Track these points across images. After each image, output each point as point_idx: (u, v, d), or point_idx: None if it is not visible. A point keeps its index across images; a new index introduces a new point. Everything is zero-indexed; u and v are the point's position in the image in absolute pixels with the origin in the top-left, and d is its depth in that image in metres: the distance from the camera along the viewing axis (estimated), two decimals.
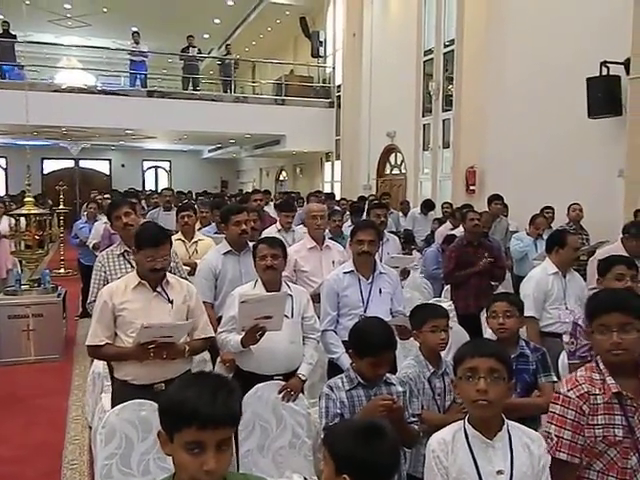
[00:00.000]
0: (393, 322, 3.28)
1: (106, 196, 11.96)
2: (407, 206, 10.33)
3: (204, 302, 3.38)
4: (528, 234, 6.54)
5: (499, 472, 1.81)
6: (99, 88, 14.28)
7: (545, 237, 6.35)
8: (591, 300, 2.10)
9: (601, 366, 1.99)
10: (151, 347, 2.76)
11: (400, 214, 9.91)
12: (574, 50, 8.04)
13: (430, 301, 5.21)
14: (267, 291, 3.18)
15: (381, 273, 3.61)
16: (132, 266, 3.56)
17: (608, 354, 1.94)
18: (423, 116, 11.89)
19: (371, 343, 2.37)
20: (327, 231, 5.82)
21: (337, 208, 8.62)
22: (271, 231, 5.72)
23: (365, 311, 3.45)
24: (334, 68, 16.05)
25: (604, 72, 7.27)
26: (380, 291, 3.54)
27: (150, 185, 24.30)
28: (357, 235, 3.58)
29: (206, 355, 3.62)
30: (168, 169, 25.38)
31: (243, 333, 3.04)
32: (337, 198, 11.76)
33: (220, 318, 3.40)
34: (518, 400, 2.68)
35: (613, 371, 1.96)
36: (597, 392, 1.93)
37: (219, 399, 1.33)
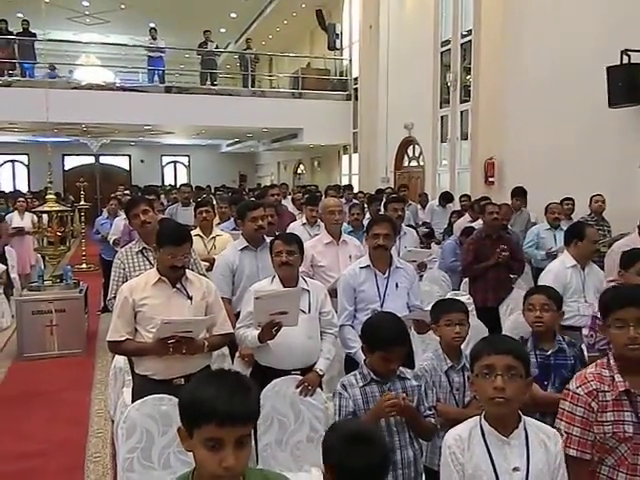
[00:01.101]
0: (410, 316, 3.29)
1: (126, 192, 12.10)
2: (425, 198, 10.28)
3: (222, 298, 3.40)
4: (549, 226, 6.40)
5: (515, 469, 1.81)
6: (118, 84, 14.39)
7: (564, 228, 6.28)
8: (606, 295, 2.11)
9: (612, 362, 2.00)
10: (171, 342, 2.79)
11: (418, 206, 9.88)
12: (594, 38, 7.91)
13: (448, 294, 5.21)
14: (284, 287, 3.20)
15: (397, 267, 3.60)
16: (150, 263, 3.62)
17: (625, 349, 1.96)
18: (441, 107, 11.79)
19: (381, 337, 2.37)
20: (347, 224, 5.84)
21: (356, 201, 8.63)
22: (296, 226, 5.75)
23: (382, 306, 3.45)
24: (351, 61, 15.97)
25: (625, 60, 7.15)
26: (396, 285, 3.54)
27: (169, 180, 24.53)
28: (373, 229, 3.59)
29: (225, 350, 3.65)
30: (187, 164, 25.54)
31: (260, 328, 3.07)
32: (355, 191, 11.72)
33: (238, 313, 3.42)
34: (553, 395, 2.67)
35: (625, 367, 1.96)
36: (606, 389, 1.94)
37: (237, 396, 1.36)
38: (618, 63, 7.17)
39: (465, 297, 5.01)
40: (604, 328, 2.05)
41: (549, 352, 2.78)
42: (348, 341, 3.45)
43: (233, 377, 1.43)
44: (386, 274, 3.55)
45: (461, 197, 8.99)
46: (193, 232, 5.13)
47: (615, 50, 7.16)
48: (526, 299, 3.01)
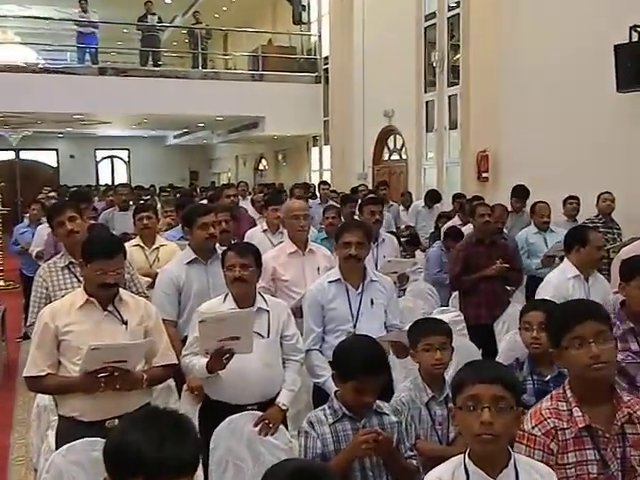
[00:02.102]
0: (386, 338, 3.33)
1: (52, 194, 11.95)
2: (409, 198, 10.36)
3: (165, 320, 3.40)
4: (537, 229, 6.48)
5: None
6: (41, 66, 14.27)
7: (554, 230, 6.32)
8: (556, 315, 2.20)
9: (569, 394, 2.05)
10: (101, 375, 2.77)
11: (401, 207, 9.96)
12: (600, 13, 8.06)
13: (435, 311, 5.28)
14: (238, 306, 3.21)
15: (372, 281, 3.64)
16: (79, 281, 3.58)
17: (589, 369, 2.01)
18: (426, 92, 11.96)
19: (354, 365, 2.40)
20: (316, 231, 5.85)
21: (332, 203, 8.67)
22: (255, 233, 5.73)
23: (355, 326, 3.49)
24: (320, 37, 16.09)
25: (634, 38, 7.32)
26: (372, 302, 3.58)
27: (105, 179, 24.28)
28: (343, 237, 3.62)
29: (171, 382, 3.64)
30: (126, 159, 25.37)
31: (208, 356, 3.07)
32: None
33: (186, 338, 3.42)
34: None
35: (583, 397, 2.03)
36: (565, 426, 1.99)
37: (169, 444, 1.34)
38: (627, 41, 7.34)
39: (454, 314, 5.08)
40: (558, 355, 2.11)
41: (548, 377, 2.85)
42: (316, 369, 3.48)
43: (167, 418, 1.42)
44: (359, 289, 3.59)
45: (455, 196, 9.05)
46: (132, 242, 5.14)
47: (623, 26, 7.33)
48: (522, 316, 3.06)
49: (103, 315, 2.93)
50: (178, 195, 11.98)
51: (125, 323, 2.94)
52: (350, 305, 3.55)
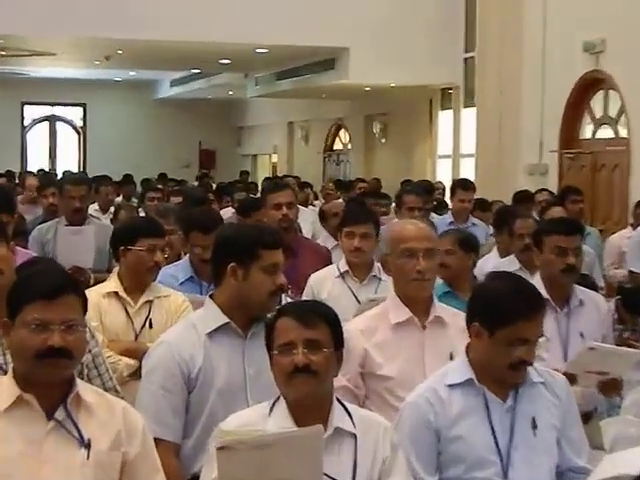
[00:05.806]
0: None
1: None
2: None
3: (160, 442, 3.51)
4: None
5: None
6: None
7: None
8: None
9: None
10: None
11: (627, 231, 9.96)
12: None
13: None
14: (298, 423, 3.25)
15: (534, 383, 3.69)
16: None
17: None
18: None
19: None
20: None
21: (476, 222, 8.76)
22: (326, 278, 5.95)
23: (506, 474, 3.53)
24: None
25: None
26: (533, 424, 3.63)
27: (39, 160, 24.84)
28: None
29: None
30: (79, 123, 26.06)
31: None
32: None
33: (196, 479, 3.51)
34: None
35: None
36: None
37: None
38: None
39: None
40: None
41: None
42: None
43: None
44: (508, 400, 3.64)
45: None
46: (104, 287, 5.28)
47: None
48: None
49: (47, 428, 2.98)
50: (167, 198, 12.02)
51: (87, 446, 2.99)
52: (493, 429, 3.59)
